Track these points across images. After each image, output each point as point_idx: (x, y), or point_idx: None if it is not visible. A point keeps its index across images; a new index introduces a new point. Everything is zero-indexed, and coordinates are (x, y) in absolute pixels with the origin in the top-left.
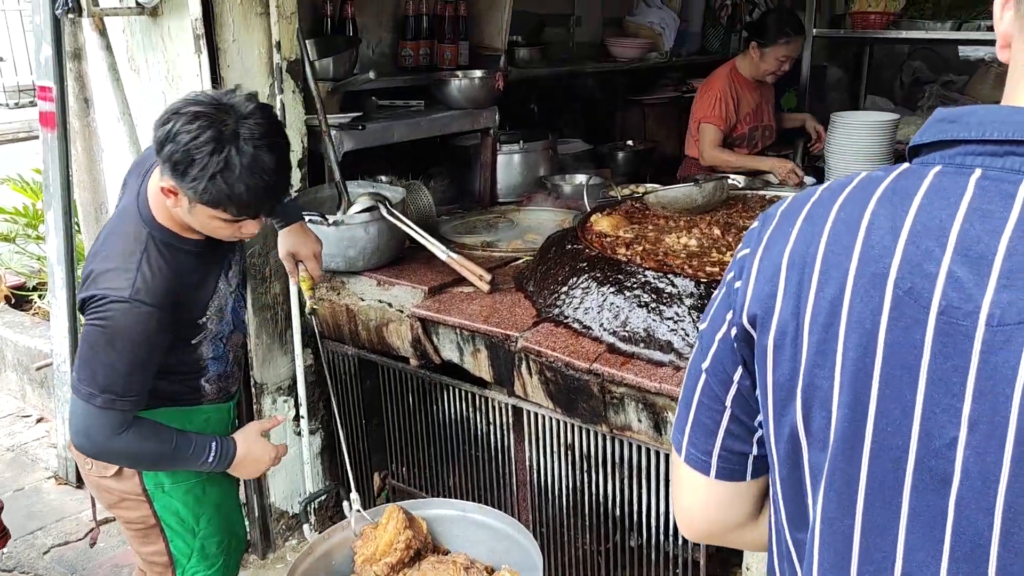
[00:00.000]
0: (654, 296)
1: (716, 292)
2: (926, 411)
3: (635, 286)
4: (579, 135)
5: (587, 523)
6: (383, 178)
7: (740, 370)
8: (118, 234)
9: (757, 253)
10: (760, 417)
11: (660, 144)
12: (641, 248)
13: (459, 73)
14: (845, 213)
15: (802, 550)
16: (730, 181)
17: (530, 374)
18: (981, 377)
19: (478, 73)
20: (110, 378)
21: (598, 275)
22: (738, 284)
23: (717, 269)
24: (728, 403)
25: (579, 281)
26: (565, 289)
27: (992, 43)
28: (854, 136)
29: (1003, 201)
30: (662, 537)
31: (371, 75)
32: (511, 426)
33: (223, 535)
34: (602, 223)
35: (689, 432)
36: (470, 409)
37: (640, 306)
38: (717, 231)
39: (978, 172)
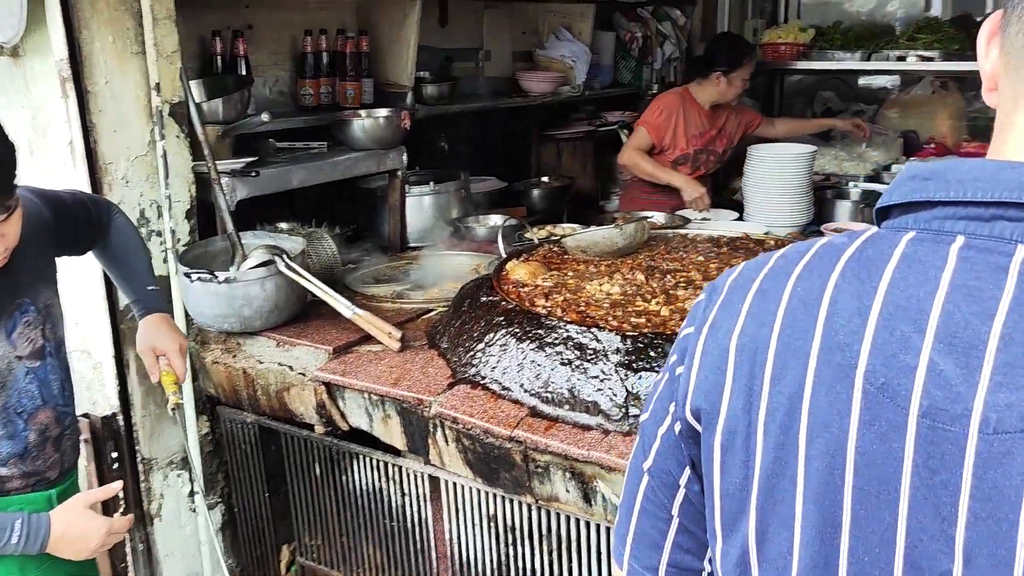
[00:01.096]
0: (578, 352)
1: (658, 377)
2: (911, 537)
3: (557, 342)
4: (493, 173)
5: None
6: (283, 226)
7: (687, 472)
8: None
9: (702, 333)
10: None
11: (577, 179)
12: (562, 298)
13: (362, 112)
14: (803, 288)
15: None
16: (651, 220)
17: (446, 442)
18: (977, 497)
19: (383, 112)
20: None
21: (517, 330)
22: (680, 370)
23: (643, 320)
24: (675, 511)
25: (496, 337)
26: (482, 347)
27: (897, 72)
28: (772, 169)
29: (993, 276)
30: None
31: (265, 117)
32: (428, 497)
33: None
34: (519, 271)
35: (631, 544)
36: (383, 479)
37: (563, 364)
38: (640, 276)
39: (960, 240)
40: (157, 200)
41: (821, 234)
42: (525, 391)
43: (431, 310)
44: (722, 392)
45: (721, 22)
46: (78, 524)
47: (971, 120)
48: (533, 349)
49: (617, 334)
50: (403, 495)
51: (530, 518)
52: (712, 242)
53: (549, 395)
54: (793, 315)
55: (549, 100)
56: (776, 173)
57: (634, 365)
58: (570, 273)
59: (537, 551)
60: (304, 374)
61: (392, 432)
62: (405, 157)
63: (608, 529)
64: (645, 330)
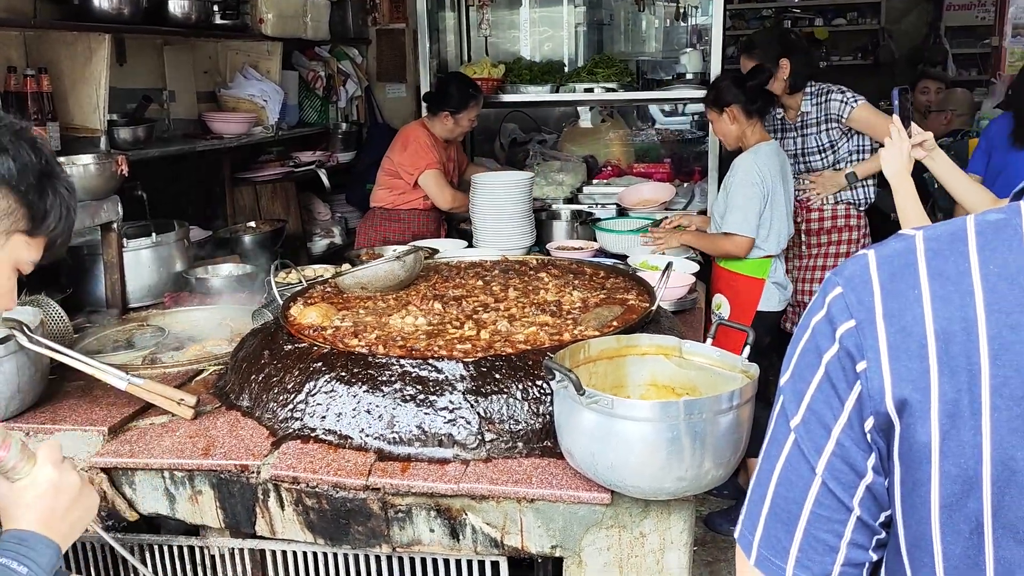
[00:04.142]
0: (419, 387)
1: (787, 380)
2: None
3: (392, 379)
4: (191, 221)
5: None
6: None
7: (872, 464)
8: None
9: (876, 325)
10: (886, 515)
11: (286, 223)
12: (374, 336)
13: (64, 160)
14: (995, 265)
15: None
16: (422, 250)
17: (281, 507)
18: None
19: (87, 159)
20: None
21: (343, 374)
22: (862, 365)
23: (469, 346)
24: (855, 506)
25: (320, 385)
26: (302, 397)
27: (574, 103)
28: (498, 195)
29: None
30: None
31: None
32: (248, 575)
33: None
34: (309, 314)
35: (798, 554)
36: (187, 567)
37: (405, 401)
38: (438, 305)
39: None
40: None
41: (548, 254)
42: (367, 436)
43: (200, 371)
44: (928, 378)
45: (403, 59)
46: (63, 482)
47: (636, 145)
48: (367, 391)
49: (458, 362)
50: None
51: (379, 571)
52: (478, 266)
53: (396, 435)
54: (996, 291)
55: (244, 142)
56: (502, 199)
57: (483, 389)
58: (361, 311)
59: None
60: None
61: (203, 510)
62: (120, 208)
63: (474, 563)
64: (484, 355)
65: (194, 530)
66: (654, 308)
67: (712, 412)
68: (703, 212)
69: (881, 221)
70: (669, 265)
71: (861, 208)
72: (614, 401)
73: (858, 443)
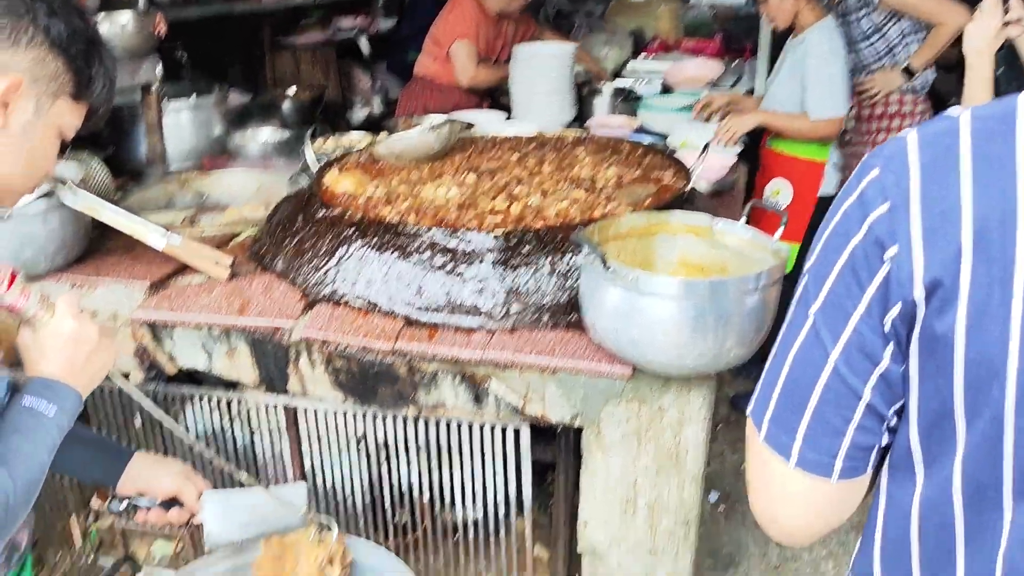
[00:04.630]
0: (448, 257)
1: (811, 264)
2: None
3: (422, 248)
4: (231, 85)
5: (388, 516)
6: None
7: (890, 352)
8: None
9: (910, 209)
10: (900, 403)
11: (326, 90)
12: (405, 205)
13: (102, 15)
14: None
15: (981, 534)
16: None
17: (312, 367)
18: None
19: (126, 16)
20: None
21: (373, 242)
22: (891, 251)
23: (499, 219)
24: (866, 394)
25: (351, 252)
26: (334, 263)
27: None
28: (537, 67)
29: None
30: (479, 510)
31: None
32: (282, 430)
33: None
34: (343, 182)
35: (805, 434)
36: (224, 419)
37: (435, 270)
38: (471, 177)
39: None
40: None
41: (587, 130)
42: (396, 302)
43: (237, 234)
44: (960, 265)
45: None
46: (82, 332)
47: (686, 19)
48: (397, 259)
49: (488, 233)
50: (251, 432)
51: (405, 432)
52: (515, 141)
53: (424, 303)
54: None
55: (284, 5)
56: (543, 71)
57: (510, 263)
58: (395, 181)
59: (414, 463)
60: (115, 318)
61: (239, 366)
62: (160, 68)
63: (496, 428)
64: (512, 228)
65: (232, 385)
66: (688, 188)
67: (739, 292)
68: (750, 92)
69: (940, 106)
70: (707, 145)
71: (920, 93)
72: (639, 277)
73: (876, 332)
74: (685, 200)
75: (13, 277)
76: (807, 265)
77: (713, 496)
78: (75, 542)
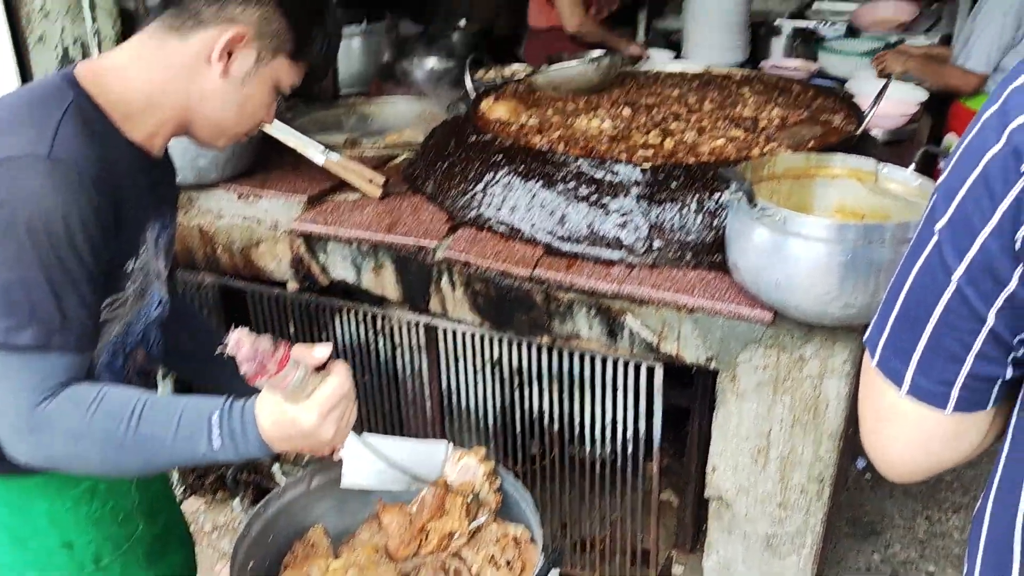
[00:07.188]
0: (593, 188)
1: (944, 178)
2: None
3: (568, 178)
4: (404, 14)
5: (519, 442)
6: None
7: (1020, 274)
8: (18, 97)
9: None
10: None
11: (495, 23)
12: (556, 134)
13: None
14: None
15: None
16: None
17: (452, 288)
18: None
19: None
20: (32, 295)
21: (521, 168)
22: None
23: (650, 152)
24: (990, 318)
25: (498, 177)
26: (481, 188)
27: None
28: (711, 3)
29: None
30: (608, 447)
31: None
32: (422, 348)
33: None
34: (498, 110)
35: (920, 360)
36: (369, 333)
37: (579, 200)
38: (627, 111)
39: None
40: (81, 37)
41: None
42: (538, 230)
43: (393, 156)
44: None
45: None
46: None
47: None
48: (542, 187)
49: (636, 166)
50: (393, 348)
51: (539, 360)
52: (678, 77)
53: (565, 233)
54: None
55: None
56: (714, 8)
57: (656, 197)
58: (550, 111)
59: (546, 392)
60: (276, 227)
61: (384, 283)
62: None
63: (630, 365)
64: (659, 163)
65: (379, 301)
66: (858, 132)
67: (895, 240)
68: (948, 39)
69: None
70: (884, 87)
71: None
72: (787, 216)
73: (1006, 251)
74: (854, 146)
75: (285, 359)
76: (937, 183)
77: (861, 463)
78: None
